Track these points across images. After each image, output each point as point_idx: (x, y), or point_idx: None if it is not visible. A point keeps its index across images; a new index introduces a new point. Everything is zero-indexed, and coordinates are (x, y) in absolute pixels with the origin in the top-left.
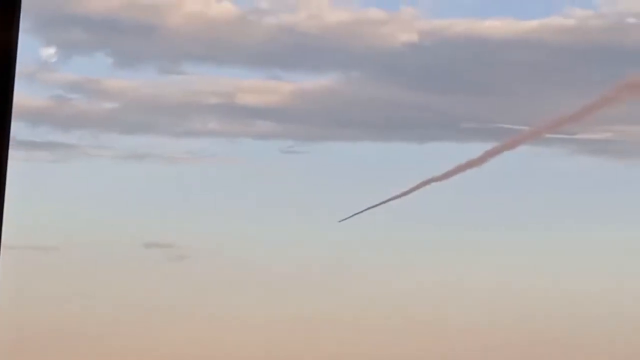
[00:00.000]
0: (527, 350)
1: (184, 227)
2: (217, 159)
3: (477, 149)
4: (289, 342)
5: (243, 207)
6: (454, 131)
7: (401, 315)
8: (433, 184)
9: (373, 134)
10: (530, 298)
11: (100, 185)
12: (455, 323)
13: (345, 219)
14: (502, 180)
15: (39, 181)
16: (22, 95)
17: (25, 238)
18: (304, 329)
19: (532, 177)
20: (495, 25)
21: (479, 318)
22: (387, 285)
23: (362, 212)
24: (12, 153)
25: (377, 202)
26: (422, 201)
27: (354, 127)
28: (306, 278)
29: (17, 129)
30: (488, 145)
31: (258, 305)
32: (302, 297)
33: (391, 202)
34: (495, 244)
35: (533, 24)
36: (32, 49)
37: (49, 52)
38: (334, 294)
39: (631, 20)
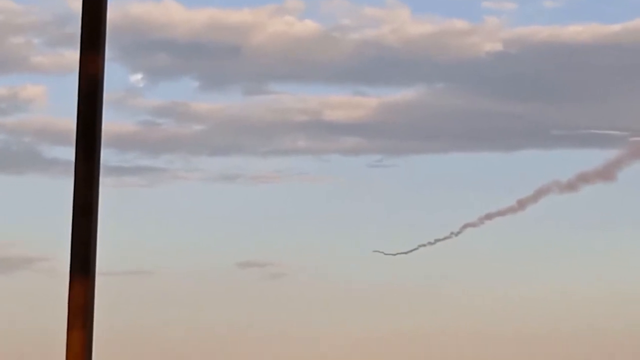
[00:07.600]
0: None
1: (276, 245)
2: (306, 176)
3: (567, 155)
4: (388, 358)
5: (334, 223)
6: (542, 139)
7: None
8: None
9: (460, 145)
10: None
11: (191, 207)
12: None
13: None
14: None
15: (131, 206)
16: (111, 121)
17: (121, 264)
18: (404, 344)
19: None
20: (579, 31)
21: None
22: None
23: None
24: (102, 179)
25: (494, 211)
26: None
27: (441, 138)
28: (402, 292)
29: (107, 156)
30: (580, 152)
31: (355, 321)
32: (400, 311)
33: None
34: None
35: (616, 27)
36: (119, 77)
37: (136, 78)
38: (432, 308)
39: None
